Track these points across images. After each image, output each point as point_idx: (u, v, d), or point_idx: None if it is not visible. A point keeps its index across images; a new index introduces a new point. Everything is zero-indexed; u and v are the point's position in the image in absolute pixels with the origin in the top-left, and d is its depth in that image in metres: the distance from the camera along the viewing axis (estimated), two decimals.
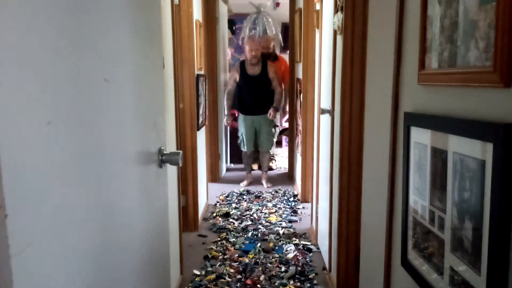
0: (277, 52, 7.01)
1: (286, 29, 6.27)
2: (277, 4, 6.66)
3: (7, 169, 0.56)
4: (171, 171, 2.45)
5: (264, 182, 5.15)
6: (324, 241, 3.00)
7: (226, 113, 5.20)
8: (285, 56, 5.98)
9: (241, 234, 3.61)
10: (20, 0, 0.62)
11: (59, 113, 0.72)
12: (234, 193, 4.81)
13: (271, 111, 4.94)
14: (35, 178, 0.64)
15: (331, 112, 2.58)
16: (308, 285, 2.74)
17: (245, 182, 5.16)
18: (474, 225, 0.85)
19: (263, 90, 4.94)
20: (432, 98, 1.08)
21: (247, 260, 3.09)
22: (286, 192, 4.84)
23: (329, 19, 2.72)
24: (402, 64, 1.31)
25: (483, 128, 0.81)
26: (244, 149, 5.11)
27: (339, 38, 2.33)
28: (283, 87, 5.10)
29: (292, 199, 4.59)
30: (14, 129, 0.59)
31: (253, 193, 4.82)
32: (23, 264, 0.60)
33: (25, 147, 0.62)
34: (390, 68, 1.39)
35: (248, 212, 4.16)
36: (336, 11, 2.36)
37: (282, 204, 4.43)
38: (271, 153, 5.63)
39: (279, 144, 7.40)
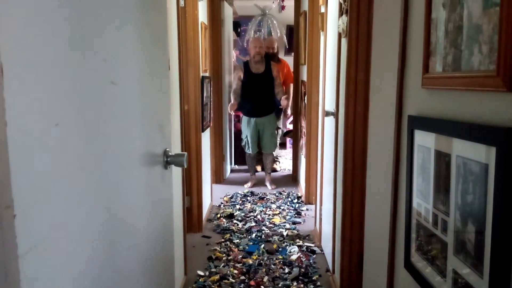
0: (282, 54, 7.04)
1: (291, 32, 6.27)
2: (282, 7, 6.67)
3: (15, 170, 0.57)
4: (176, 172, 2.47)
5: (267, 183, 5.16)
6: (327, 243, 3.00)
7: (232, 102, 5.04)
8: (290, 59, 5.99)
9: (245, 235, 3.62)
10: (28, 4, 0.63)
11: (67, 115, 0.73)
12: (238, 195, 4.82)
13: (283, 98, 4.92)
14: (43, 179, 0.65)
15: (335, 114, 2.59)
16: (312, 286, 2.74)
17: (249, 184, 5.16)
18: (477, 228, 0.85)
19: (266, 89, 4.95)
20: (436, 102, 1.08)
21: (250, 261, 3.09)
22: (290, 194, 4.85)
23: (333, 22, 2.73)
24: (406, 67, 1.31)
25: (486, 132, 0.82)
26: (248, 151, 5.11)
27: (344, 41, 2.34)
28: (281, 84, 5.12)
29: (296, 200, 4.59)
30: (23, 130, 0.60)
31: (257, 195, 4.82)
32: (31, 264, 0.61)
33: (33, 148, 0.63)
34: (394, 71, 1.40)
35: (252, 214, 4.16)
36: (340, 14, 2.36)
37: (286, 205, 4.43)
38: (275, 155, 5.64)
39: (283, 145, 7.41)
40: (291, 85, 5.52)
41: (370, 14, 1.99)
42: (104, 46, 0.91)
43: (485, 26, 0.82)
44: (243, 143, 5.18)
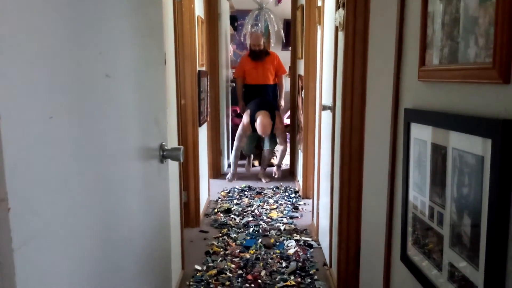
0: (279, 49, 7.03)
1: (288, 25, 6.26)
2: (279, 0, 6.65)
3: (9, 163, 0.57)
4: (173, 167, 2.46)
5: (262, 177, 5.21)
6: (325, 237, 3.01)
7: (232, 171, 5.07)
8: (287, 53, 5.98)
9: (242, 230, 3.62)
10: None
11: (61, 108, 0.73)
12: (236, 189, 4.83)
13: (275, 170, 5.10)
14: (37, 172, 0.65)
15: (332, 108, 2.59)
16: (309, 280, 2.75)
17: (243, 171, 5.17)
18: (472, 221, 0.85)
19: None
20: (432, 95, 1.08)
21: (248, 256, 3.10)
22: (288, 188, 4.85)
23: (330, 16, 2.72)
24: (402, 60, 1.31)
25: (482, 124, 0.82)
26: (243, 150, 5.21)
27: (341, 35, 2.33)
28: (287, 145, 5.16)
29: (293, 195, 4.60)
30: (17, 123, 0.60)
31: (254, 189, 4.83)
32: (26, 257, 0.61)
33: (27, 141, 0.63)
34: (391, 65, 1.40)
35: (249, 208, 4.17)
36: (337, 7, 2.36)
37: (283, 200, 4.44)
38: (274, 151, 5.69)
39: None
40: (283, 76, 5.55)
41: (367, 7, 1.98)
42: (99, 39, 0.90)
43: (481, 18, 0.82)
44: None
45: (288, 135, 5.56)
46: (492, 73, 0.77)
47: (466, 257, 0.88)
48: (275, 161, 6.03)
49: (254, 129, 4.94)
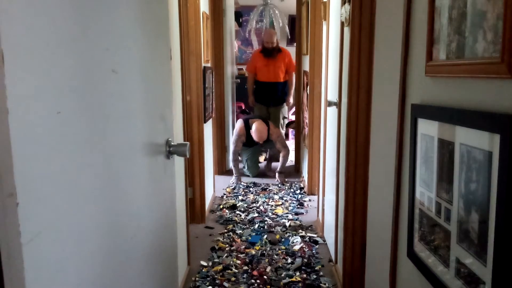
0: (284, 45, 7.02)
1: (293, 21, 6.24)
2: None
3: (18, 158, 0.57)
4: (178, 163, 2.47)
5: (268, 172, 5.24)
6: (330, 233, 3.01)
7: (235, 174, 5.00)
8: (292, 49, 5.97)
9: (247, 226, 3.63)
10: None
11: (69, 104, 0.73)
12: (241, 186, 4.83)
13: (278, 177, 5.00)
14: (45, 167, 0.65)
15: (338, 104, 2.58)
16: (314, 276, 2.75)
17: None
18: (480, 216, 0.85)
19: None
20: (440, 90, 1.08)
21: (253, 252, 3.10)
22: (293, 185, 4.85)
23: (336, 11, 2.71)
24: (409, 55, 1.30)
25: (490, 119, 0.81)
26: (248, 173, 5.18)
27: (347, 30, 2.32)
28: (288, 150, 5.09)
29: (298, 191, 4.60)
30: (24, 118, 0.60)
31: (259, 185, 4.83)
32: (34, 252, 0.61)
33: (36, 136, 0.63)
34: (398, 60, 1.39)
35: (254, 205, 4.17)
36: (343, 2, 2.35)
37: (289, 196, 4.44)
38: None
39: (286, 136, 7.40)
40: (293, 74, 5.54)
41: (373, 2, 1.97)
42: (106, 35, 0.90)
43: (489, 12, 0.82)
44: (243, 165, 5.24)
45: (294, 131, 5.54)
46: (500, 67, 0.77)
47: (473, 253, 0.88)
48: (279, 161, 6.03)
49: (250, 143, 4.97)
